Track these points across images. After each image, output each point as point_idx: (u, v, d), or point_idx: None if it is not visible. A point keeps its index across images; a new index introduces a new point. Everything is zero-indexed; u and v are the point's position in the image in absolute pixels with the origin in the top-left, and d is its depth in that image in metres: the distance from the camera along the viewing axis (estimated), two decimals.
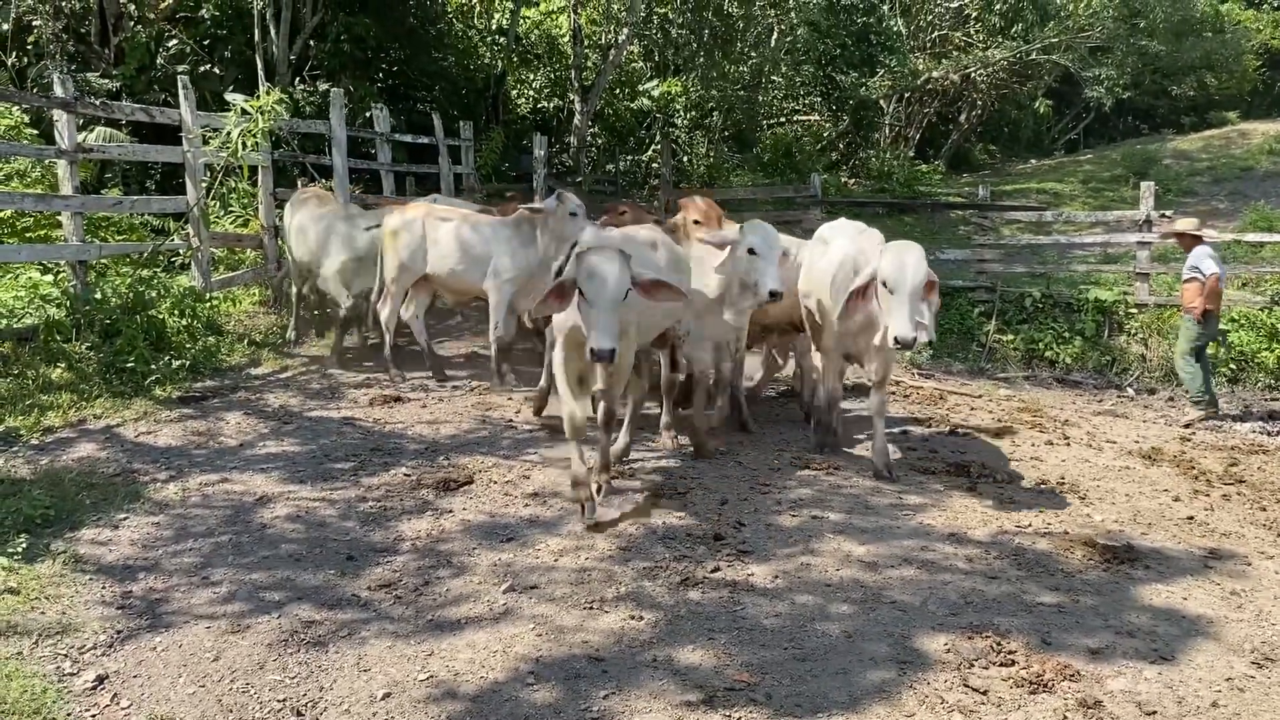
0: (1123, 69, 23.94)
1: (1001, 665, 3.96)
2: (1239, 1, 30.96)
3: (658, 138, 21.36)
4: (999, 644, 4.11)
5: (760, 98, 24.11)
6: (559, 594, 4.51)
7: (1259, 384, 10.78)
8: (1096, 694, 3.77)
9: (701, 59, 22.40)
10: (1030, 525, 5.64)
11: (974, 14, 23.89)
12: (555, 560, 4.89)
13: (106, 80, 14.78)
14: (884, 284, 5.79)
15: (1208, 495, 6.52)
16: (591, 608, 4.38)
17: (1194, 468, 7.12)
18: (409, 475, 6.02)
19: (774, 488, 6.04)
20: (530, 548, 5.03)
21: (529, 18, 22.90)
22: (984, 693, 3.75)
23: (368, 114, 13.83)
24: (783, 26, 22.66)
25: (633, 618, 4.29)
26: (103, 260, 9.39)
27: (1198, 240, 9.29)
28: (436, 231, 8.42)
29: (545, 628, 4.19)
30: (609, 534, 5.22)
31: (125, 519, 5.18)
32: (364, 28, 16.93)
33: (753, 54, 22.96)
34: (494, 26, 22.47)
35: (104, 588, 4.44)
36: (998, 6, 22.97)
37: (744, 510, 5.67)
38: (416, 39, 18.69)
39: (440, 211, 8.68)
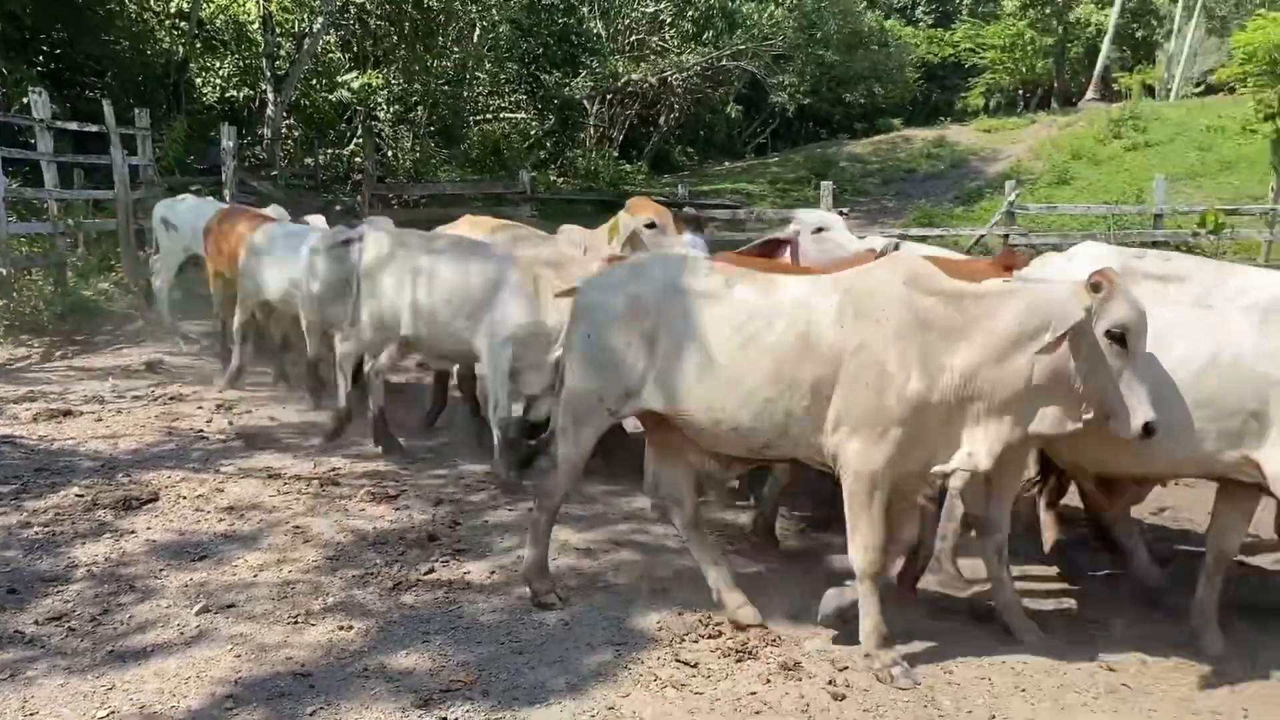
0: (802, 77, 25.87)
1: (710, 638, 4.11)
2: (900, 19, 34.26)
3: (359, 131, 20.66)
4: (708, 618, 4.26)
5: (465, 93, 23.89)
6: (260, 611, 4.22)
7: None
8: (796, 656, 3.99)
9: (402, 51, 21.87)
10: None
11: (668, 20, 24.88)
12: (255, 576, 4.57)
13: None
14: None
15: None
16: (297, 622, 4.14)
17: None
18: (82, 496, 5.43)
19: (489, 484, 5.97)
20: (226, 564, 4.68)
21: (213, 2, 21.42)
22: (694, 665, 3.87)
23: (25, 99, 12.39)
24: (484, 23, 22.56)
25: (342, 628, 4.09)
26: None
27: None
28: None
29: (245, 647, 3.91)
30: (316, 544, 4.96)
31: None
32: (18, 5, 15.17)
33: (455, 49, 22.71)
34: (173, 9, 20.82)
35: None
36: (690, 13, 24.06)
37: (460, 509, 5.57)
38: (83, 19, 16.98)
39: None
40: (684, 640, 4.08)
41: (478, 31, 23.04)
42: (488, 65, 23.65)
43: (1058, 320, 3.58)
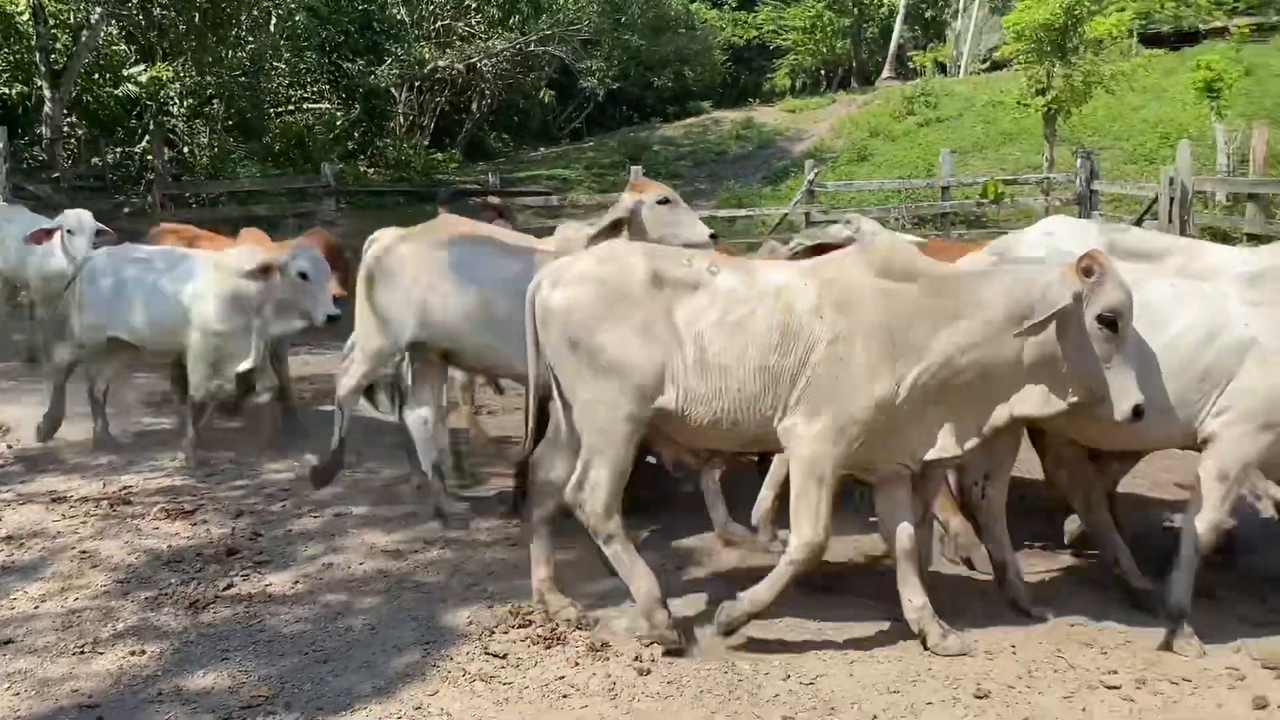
0: (610, 61, 26.04)
1: (520, 628, 4.15)
2: (704, 2, 34.90)
3: (151, 127, 19.53)
4: (518, 608, 4.30)
5: (264, 85, 22.93)
6: (42, 644, 4.00)
7: None
8: (604, 637, 4.07)
9: (192, 42, 20.78)
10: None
11: (474, 5, 24.56)
12: (36, 607, 4.33)
13: None
14: None
15: None
16: (84, 652, 3.94)
17: None
18: None
19: (293, 492, 5.82)
20: (4, 598, 4.41)
21: None
22: (504, 656, 3.91)
23: None
24: (279, 11, 21.69)
25: (134, 654, 3.92)
26: None
27: None
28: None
29: (25, 684, 3.70)
30: (105, 568, 4.73)
31: None
32: None
33: (250, 39, 21.75)
34: None
35: None
36: None
37: (262, 519, 5.41)
38: None
39: None
40: (494, 633, 4.11)
41: (273, 20, 22.15)
42: (285, 55, 22.76)
43: (1045, 303, 3.61)
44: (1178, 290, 4.08)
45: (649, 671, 3.80)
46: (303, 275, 5.86)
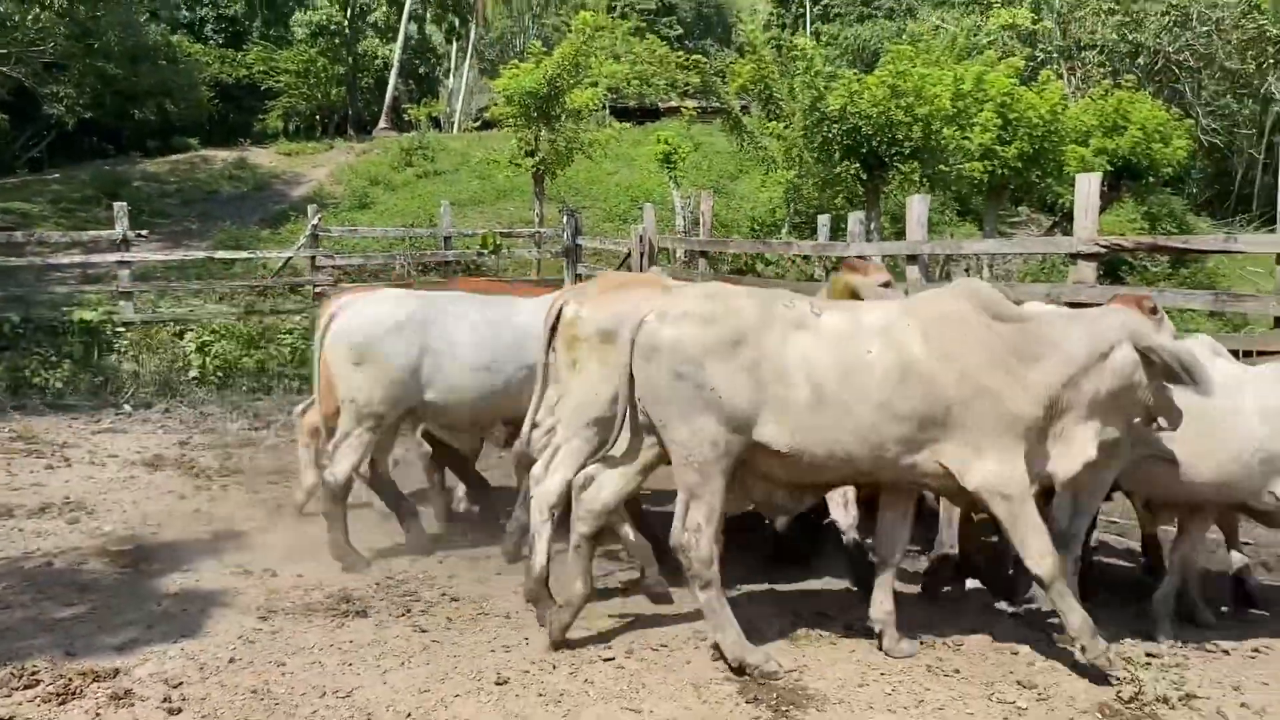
0: (81, 88, 23.72)
1: (27, 688, 3.88)
2: (188, 35, 33.00)
3: None
4: (21, 669, 4.01)
5: None
6: None
7: (243, 387, 11.65)
8: (127, 684, 3.94)
9: None
10: (40, 548, 5.52)
11: None
12: None
13: None
14: None
15: (209, 489, 7.10)
16: None
17: (194, 467, 7.67)
18: None
19: None
20: None
21: None
22: (10, 719, 3.65)
23: None
24: None
25: None
26: None
27: None
28: None
29: None
30: None
31: None
32: None
33: None
34: None
35: None
36: None
37: None
38: None
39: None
40: None
41: None
42: None
43: (1140, 338, 4.00)
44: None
45: (180, 710, 3.77)
46: None
